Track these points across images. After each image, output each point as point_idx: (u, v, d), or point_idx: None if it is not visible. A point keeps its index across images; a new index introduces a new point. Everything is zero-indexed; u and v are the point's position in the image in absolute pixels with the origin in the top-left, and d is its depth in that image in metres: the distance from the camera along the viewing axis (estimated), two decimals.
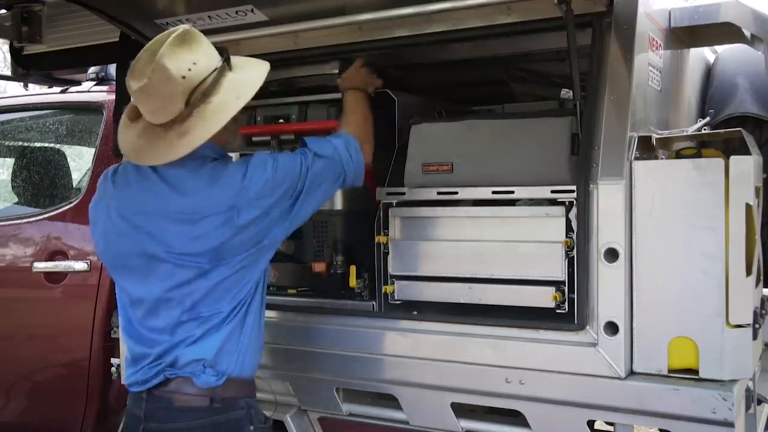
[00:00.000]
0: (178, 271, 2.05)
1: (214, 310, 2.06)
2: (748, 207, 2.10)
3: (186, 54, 1.98)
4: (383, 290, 2.61)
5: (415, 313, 2.58)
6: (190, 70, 1.97)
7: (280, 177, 2.09)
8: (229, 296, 2.08)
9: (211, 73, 2.01)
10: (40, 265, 3.42)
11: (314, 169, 2.16)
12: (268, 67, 2.14)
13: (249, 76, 2.09)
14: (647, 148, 2.33)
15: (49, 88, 3.96)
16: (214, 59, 2.04)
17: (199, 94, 1.99)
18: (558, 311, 2.35)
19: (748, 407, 2.33)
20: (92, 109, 3.66)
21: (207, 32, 2.77)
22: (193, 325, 2.06)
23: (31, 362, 3.53)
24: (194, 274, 2.04)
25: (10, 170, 3.97)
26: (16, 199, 3.96)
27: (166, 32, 2.02)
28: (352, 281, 2.72)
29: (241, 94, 2.05)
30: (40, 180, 3.80)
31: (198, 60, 2.00)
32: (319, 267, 2.79)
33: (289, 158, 2.16)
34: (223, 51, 2.08)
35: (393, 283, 2.60)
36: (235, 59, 2.13)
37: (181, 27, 2.04)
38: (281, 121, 2.91)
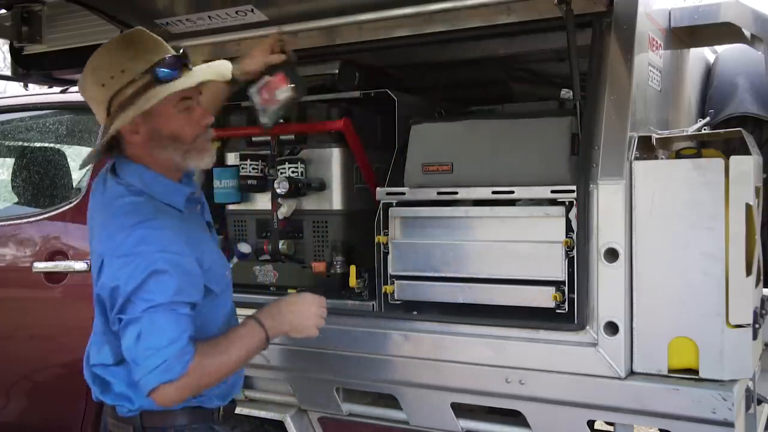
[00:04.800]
0: None
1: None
2: (748, 207, 2.10)
3: (120, 59, 1.86)
4: (383, 290, 2.61)
5: (415, 313, 2.58)
6: (112, 78, 1.85)
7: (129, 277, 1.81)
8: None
9: (131, 83, 1.85)
10: (40, 265, 3.42)
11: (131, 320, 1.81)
12: (199, 78, 1.92)
13: (170, 87, 1.87)
14: (647, 148, 2.33)
15: (49, 88, 3.95)
16: (145, 68, 1.86)
17: (117, 105, 1.86)
18: (558, 311, 2.35)
19: (748, 407, 2.33)
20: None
21: (207, 32, 2.80)
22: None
23: (31, 362, 3.53)
24: None
25: (10, 170, 3.97)
26: (16, 199, 3.96)
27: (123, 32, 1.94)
28: (352, 281, 2.73)
29: (144, 104, 1.84)
30: (40, 180, 3.80)
31: (129, 68, 1.85)
32: (319, 267, 2.79)
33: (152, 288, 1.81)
34: (162, 59, 1.87)
35: (393, 283, 2.60)
36: (202, 69, 1.96)
37: (136, 28, 1.96)
38: (281, 121, 2.91)
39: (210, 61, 2.11)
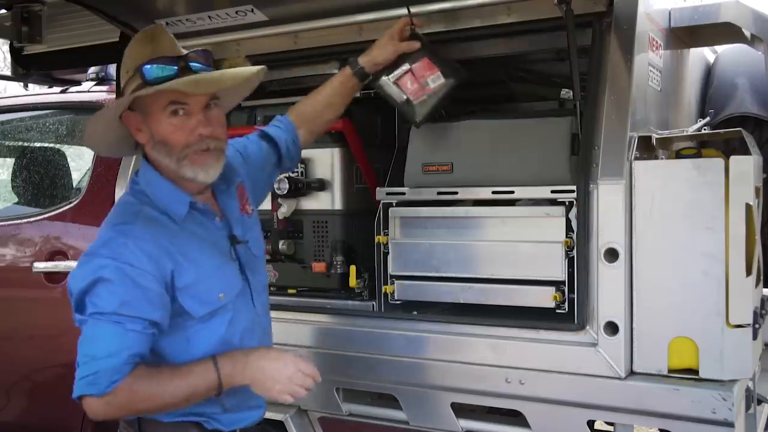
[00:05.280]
0: None
1: None
2: (748, 207, 2.10)
3: (136, 52, 1.86)
4: (383, 290, 2.61)
5: (415, 313, 2.58)
6: (127, 71, 1.87)
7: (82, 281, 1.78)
8: None
9: (130, 79, 1.85)
10: (40, 265, 3.42)
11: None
12: (181, 86, 1.79)
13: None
14: (647, 148, 2.33)
15: (49, 88, 3.96)
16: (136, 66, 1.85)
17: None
18: (558, 311, 2.35)
19: (748, 407, 2.33)
20: (92, 109, 3.64)
21: (207, 32, 2.80)
22: None
23: (31, 362, 3.53)
24: None
25: (10, 170, 3.97)
26: (16, 199, 3.96)
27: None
28: (352, 281, 2.73)
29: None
30: (40, 180, 3.80)
31: (135, 65, 1.85)
32: (319, 267, 2.79)
33: (98, 293, 1.77)
34: (151, 59, 1.82)
35: (393, 283, 2.60)
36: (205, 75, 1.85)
37: (155, 25, 1.95)
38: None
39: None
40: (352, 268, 2.74)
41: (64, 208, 3.51)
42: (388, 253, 2.60)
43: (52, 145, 4.01)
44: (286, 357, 1.87)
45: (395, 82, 2.36)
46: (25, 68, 3.51)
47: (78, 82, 3.88)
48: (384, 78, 2.37)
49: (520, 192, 2.41)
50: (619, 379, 2.17)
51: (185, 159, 1.85)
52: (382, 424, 2.59)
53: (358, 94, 2.84)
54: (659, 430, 2.22)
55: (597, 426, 2.63)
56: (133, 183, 1.94)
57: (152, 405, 1.80)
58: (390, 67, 2.37)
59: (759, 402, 2.53)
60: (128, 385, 1.73)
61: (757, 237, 2.19)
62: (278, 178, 2.75)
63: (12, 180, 3.92)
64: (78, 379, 1.74)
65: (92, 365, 1.73)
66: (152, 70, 1.80)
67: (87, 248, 1.84)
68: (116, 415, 1.82)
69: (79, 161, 3.94)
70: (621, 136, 2.21)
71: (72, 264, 3.34)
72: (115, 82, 3.35)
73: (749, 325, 2.11)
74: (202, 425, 1.93)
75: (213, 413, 1.92)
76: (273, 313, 2.64)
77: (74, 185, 3.78)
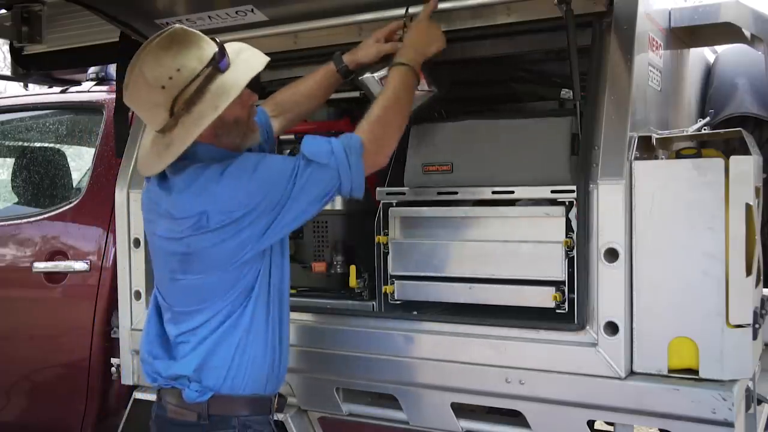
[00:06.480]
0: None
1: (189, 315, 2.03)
2: (748, 207, 2.10)
3: (170, 59, 1.86)
4: (383, 290, 2.61)
5: (415, 313, 2.58)
6: (171, 78, 1.85)
7: (257, 187, 1.92)
8: (207, 309, 2.00)
9: (194, 79, 1.87)
10: (40, 265, 3.42)
11: (302, 177, 1.95)
12: (259, 66, 1.98)
13: (235, 78, 1.92)
14: (647, 148, 2.33)
15: (49, 88, 3.96)
16: (204, 62, 1.89)
17: (182, 103, 1.87)
18: (558, 311, 2.35)
19: (748, 407, 2.33)
20: (92, 109, 3.66)
21: (207, 32, 2.78)
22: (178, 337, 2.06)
23: (31, 362, 3.53)
24: (172, 277, 2.05)
25: (10, 170, 3.97)
26: (16, 199, 3.96)
27: (157, 33, 1.92)
28: (352, 281, 2.73)
29: (219, 103, 1.88)
30: (40, 180, 3.80)
31: (184, 65, 1.86)
32: (319, 267, 2.80)
33: (276, 165, 1.98)
34: (216, 51, 1.91)
35: (393, 283, 2.60)
36: (237, 54, 1.98)
37: (172, 27, 1.94)
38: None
39: None
40: (352, 268, 2.74)
41: (64, 208, 3.51)
42: (388, 253, 2.60)
43: (52, 145, 4.01)
44: (415, 22, 2.33)
45: (379, 80, 2.38)
46: (25, 68, 3.51)
47: (78, 82, 3.88)
48: (368, 75, 2.41)
49: (520, 192, 2.41)
50: (619, 379, 2.17)
51: (248, 130, 2.06)
52: (382, 424, 2.59)
53: (358, 94, 2.86)
54: (659, 430, 2.22)
55: (597, 426, 2.63)
56: (186, 161, 1.99)
57: (396, 120, 2.16)
58: (375, 65, 2.39)
59: (759, 402, 2.53)
60: (365, 133, 2.05)
61: (757, 237, 2.19)
62: None
63: (12, 180, 3.92)
64: (348, 155, 2.00)
65: (338, 151, 1.99)
66: (225, 60, 1.93)
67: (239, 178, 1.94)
68: (389, 146, 2.16)
69: (79, 161, 3.94)
70: (621, 136, 2.21)
71: (72, 264, 3.36)
72: (115, 82, 3.34)
73: (749, 325, 2.11)
74: (261, 396, 2.10)
75: (263, 379, 2.09)
76: None
77: (74, 185, 3.78)
